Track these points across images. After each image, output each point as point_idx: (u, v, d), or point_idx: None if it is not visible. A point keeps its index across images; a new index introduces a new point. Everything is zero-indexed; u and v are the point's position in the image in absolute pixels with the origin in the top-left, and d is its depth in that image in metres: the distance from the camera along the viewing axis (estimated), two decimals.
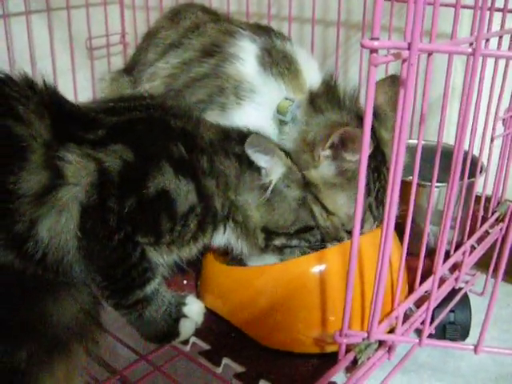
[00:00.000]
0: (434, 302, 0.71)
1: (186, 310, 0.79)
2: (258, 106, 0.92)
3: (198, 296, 0.85)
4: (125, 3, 1.70)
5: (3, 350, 0.64)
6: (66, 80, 1.57)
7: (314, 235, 0.83)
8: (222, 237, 0.83)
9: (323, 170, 0.81)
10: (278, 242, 0.82)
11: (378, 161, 0.82)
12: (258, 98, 0.92)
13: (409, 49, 0.51)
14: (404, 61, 0.55)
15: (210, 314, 0.82)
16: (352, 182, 0.80)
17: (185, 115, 0.84)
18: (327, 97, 0.88)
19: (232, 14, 1.40)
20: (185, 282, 0.91)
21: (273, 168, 0.80)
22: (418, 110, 1.03)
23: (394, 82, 0.87)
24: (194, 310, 0.80)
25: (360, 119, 0.82)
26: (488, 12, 0.85)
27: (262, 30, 1.01)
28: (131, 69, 1.15)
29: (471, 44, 0.69)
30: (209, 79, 0.97)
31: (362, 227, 0.81)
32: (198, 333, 0.79)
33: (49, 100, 0.74)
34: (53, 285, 0.70)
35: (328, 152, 0.80)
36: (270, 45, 0.96)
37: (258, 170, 0.80)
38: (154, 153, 0.75)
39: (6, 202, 0.66)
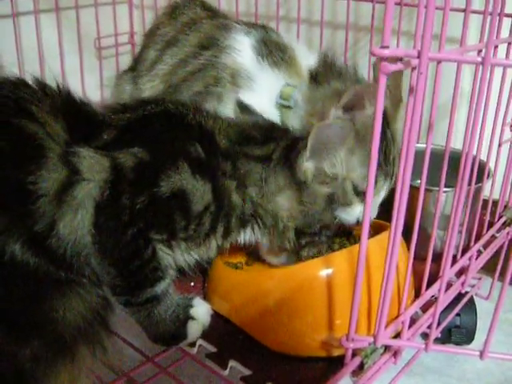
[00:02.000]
0: (440, 307, 0.72)
1: (193, 311, 0.79)
2: (257, 93, 0.94)
3: (205, 298, 0.85)
4: (133, 3, 1.71)
5: (8, 348, 0.65)
6: (74, 79, 1.58)
7: (331, 230, 0.85)
8: (251, 236, 0.83)
9: None
10: (304, 240, 0.82)
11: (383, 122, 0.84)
12: (255, 85, 0.95)
13: (419, 57, 0.51)
14: (413, 69, 0.55)
15: (216, 316, 0.82)
16: (362, 142, 0.81)
17: (202, 110, 0.83)
18: (326, 71, 0.91)
19: (241, 15, 1.41)
20: (192, 284, 0.92)
21: (336, 164, 0.80)
22: (425, 115, 1.03)
23: (395, 77, 0.88)
24: (201, 312, 0.80)
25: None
26: (497, 17, 0.85)
27: (257, 26, 1.05)
28: (134, 67, 1.17)
29: (480, 51, 0.70)
30: (205, 70, 1.00)
31: (374, 185, 0.82)
32: (205, 335, 0.79)
33: (62, 102, 0.74)
34: (62, 283, 0.70)
35: (340, 112, 0.82)
36: (265, 37, 1.00)
37: (289, 168, 0.80)
38: (171, 152, 0.75)
39: (27, 203, 0.67)
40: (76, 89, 1.54)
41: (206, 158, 0.76)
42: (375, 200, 0.87)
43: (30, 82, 0.74)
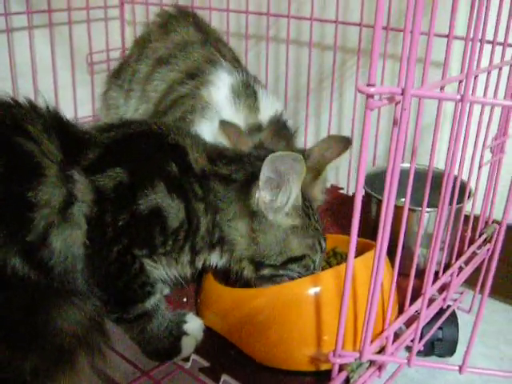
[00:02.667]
0: (422, 322, 0.75)
1: (186, 327, 0.82)
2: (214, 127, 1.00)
3: (198, 314, 0.87)
4: (125, 19, 1.74)
5: (8, 362, 0.66)
6: (66, 94, 1.61)
7: (305, 266, 0.84)
8: (220, 260, 0.84)
9: None
10: (266, 272, 0.83)
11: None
12: (217, 119, 1.00)
13: (402, 94, 0.55)
14: (397, 103, 0.59)
15: (209, 331, 0.85)
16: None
17: (182, 130, 0.86)
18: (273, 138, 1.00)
19: (231, 35, 1.44)
20: (184, 299, 0.94)
21: (283, 193, 0.80)
22: (409, 138, 1.07)
23: (342, 141, 0.95)
24: (194, 327, 0.82)
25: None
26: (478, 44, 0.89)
27: (239, 65, 1.13)
28: (119, 71, 1.21)
29: (461, 81, 0.74)
30: (187, 99, 1.06)
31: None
32: (198, 350, 0.81)
33: (52, 122, 0.78)
34: (57, 294, 0.72)
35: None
36: (245, 80, 1.07)
37: (249, 195, 0.81)
38: (149, 172, 0.78)
39: (24, 214, 0.69)
40: (68, 103, 1.58)
41: (180, 179, 0.79)
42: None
43: (23, 103, 0.78)
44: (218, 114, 1.03)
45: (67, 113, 1.60)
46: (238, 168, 0.83)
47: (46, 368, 0.68)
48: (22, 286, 0.70)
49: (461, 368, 0.71)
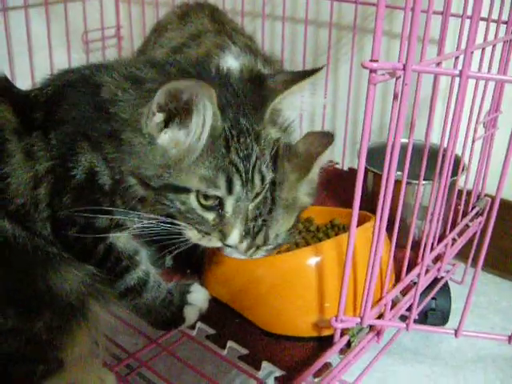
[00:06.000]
0: (420, 290, 0.79)
1: (190, 297, 0.84)
2: None
3: (203, 284, 0.90)
4: None
5: (20, 324, 0.68)
6: None
7: (185, 203, 0.69)
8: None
9: None
10: (148, 193, 0.71)
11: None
12: None
13: (404, 69, 0.58)
14: (398, 78, 0.62)
15: (214, 301, 0.87)
16: None
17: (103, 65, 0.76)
18: None
19: (226, 12, 1.45)
20: (188, 271, 0.96)
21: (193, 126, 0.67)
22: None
23: (324, 137, 0.92)
24: (198, 297, 0.85)
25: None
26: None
27: (251, 51, 1.10)
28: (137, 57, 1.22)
29: (457, 58, 0.76)
30: None
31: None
32: (204, 318, 0.84)
33: (3, 86, 0.75)
34: (53, 256, 0.72)
35: None
36: (251, 66, 1.05)
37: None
38: (73, 133, 0.71)
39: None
40: None
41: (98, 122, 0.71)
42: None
43: None
44: None
45: None
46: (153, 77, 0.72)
47: (59, 324, 0.69)
48: (18, 250, 0.70)
49: (456, 332, 0.75)
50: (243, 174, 0.69)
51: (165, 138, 0.68)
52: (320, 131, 0.96)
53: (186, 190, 0.68)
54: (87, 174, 0.70)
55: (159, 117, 0.67)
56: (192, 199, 0.68)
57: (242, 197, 0.70)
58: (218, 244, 0.72)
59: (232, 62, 1.05)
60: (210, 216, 0.70)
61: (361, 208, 0.95)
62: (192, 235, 0.72)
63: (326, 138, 0.90)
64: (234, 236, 0.71)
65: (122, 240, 0.76)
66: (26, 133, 0.71)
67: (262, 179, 0.72)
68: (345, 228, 0.98)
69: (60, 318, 0.70)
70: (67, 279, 0.71)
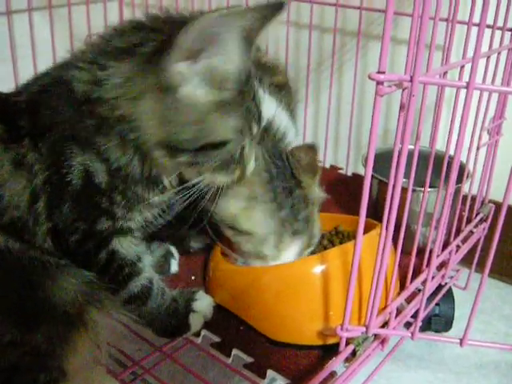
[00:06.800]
0: (425, 298, 0.78)
1: (195, 305, 0.83)
2: None
3: (207, 291, 0.90)
4: (124, 1, 1.74)
5: (18, 337, 0.67)
6: None
7: (229, 152, 0.70)
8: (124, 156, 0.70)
9: None
10: (183, 159, 0.68)
11: (292, 185, 0.87)
12: None
13: (411, 81, 0.58)
14: (404, 89, 0.62)
15: (218, 308, 0.87)
16: None
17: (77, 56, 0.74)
18: None
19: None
20: (193, 277, 0.96)
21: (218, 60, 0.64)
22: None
23: (309, 149, 0.93)
24: (202, 304, 0.84)
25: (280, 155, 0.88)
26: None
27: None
28: None
29: (463, 67, 0.76)
30: None
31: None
32: (208, 326, 0.84)
33: None
34: (49, 265, 0.70)
35: None
36: None
37: (160, 67, 0.64)
38: (59, 139, 0.69)
39: None
40: None
41: (76, 122, 0.68)
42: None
43: None
44: None
45: None
46: (144, 38, 0.66)
47: (58, 334, 0.68)
48: (13, 263, 0.68)
49: (461, 341, 0.75)
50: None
51: (192, 89, 0.64)
52: (305, 144, 0.96)
53: (223, 143, 0.68)
54: (83, 178, 0.69)
55: (185, 65, 0.63)
56: (229, 148, 0.69)
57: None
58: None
59: None
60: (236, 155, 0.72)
61: (365, 215, 0.95)
62: (217, 178, 0.73)
63: (312, 150, 0.92)
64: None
65: (124, 246, 0.75)
66: (13, 141, 0.69)
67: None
68: (349, 235, 0.98)
69: (59, 328, 0.69)
70: (64, 288, 0.70)
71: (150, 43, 0.65)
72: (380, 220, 0.76)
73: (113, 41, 0.69)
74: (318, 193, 0.93)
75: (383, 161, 0.85)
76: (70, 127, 0.68)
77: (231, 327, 0.85)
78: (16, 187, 0.69)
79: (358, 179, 1.35)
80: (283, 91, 1.07)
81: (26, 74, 1.50)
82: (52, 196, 0.69)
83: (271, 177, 0.84)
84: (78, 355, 0.71)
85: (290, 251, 0.87)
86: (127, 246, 0.76)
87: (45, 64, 1.53)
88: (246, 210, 0.84)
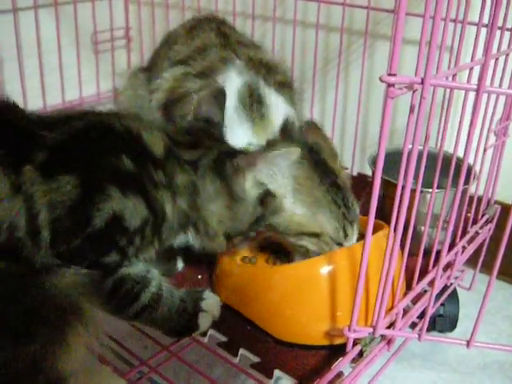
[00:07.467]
0: (433, 298, 0.79)
1: (204, 304, 0.83)
2: None
3: (213, 290, 0.90)
4: None
5: (19, 349, 0.64)
6: (71, 73, 1.62)
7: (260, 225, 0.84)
8: (185, 239, 0.83)
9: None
10: (236, 240, 0.83)
11: (332, 176, 0.91)
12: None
13: (422, 83, 0.58)
14: (415, 91, 0.62)
15: (225, 308, 0.87)
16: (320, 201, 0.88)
17: (127, 115, 0.80)
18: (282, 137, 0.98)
19: (237, 15, 1.46)
20: (199, 276, 0.97)
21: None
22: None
23: (312, 127, 0.97)
24: (211, 304, 0.84)
25: (311, 149, 0.92)
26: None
27: (253, 65, 1.09)
28: (149, 69, 1.22)
29: (471, 69, 0.76)
30: (191, 96, 1.04)
31: (346, 234, 0.89)
32: (215, 325, 0.84)
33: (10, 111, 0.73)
34: (37, 273, 0.69)
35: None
36: (253, 84, 1.04)
37: (222, 179, 0.79)
38: (97, 177, 0.72)
39: None
40: (73, 83, 1.60)
41: (135, 171, 0.74)
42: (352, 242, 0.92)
43: None
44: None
45: (72, 92, 1.64)
46: (202, 152, 0.80)
47: (54, 338, 0.67)
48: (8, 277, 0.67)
49: (468, 343, 0.75)
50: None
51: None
52: (309, 123, 1.00)
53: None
54: (107, 220, 0.71)
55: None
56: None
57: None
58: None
59: (235, 78, 1.04)
60: None
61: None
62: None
63: (320, 131, 0.98)
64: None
65: (132, 268, 0.76)
66: (15, 166, 0.68)
67: None
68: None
69: (54, 331, 0.67)
70: (61, 282, 0.69)
71: (210, 158, 0.80)
72: (385, 219, 0.77)
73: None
74: (346, 175, 0.97)
75: (389, 161, 0.86)
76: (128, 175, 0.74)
77: (238, 327, 0.86)
78: (10, 206, 0.68)
79: (363, 179, 1.36)
80: (285, 88, 1.10)
81: (32, 71, 1.52)
82: (59, 229, 0.69)
83: (319, 177, 0.89)
84: (74, 353, 0.68)
85: (353, 240, 0.91)
86: (135, 267, 0.77)
87: (50, 62, 1.55)
88: (312, 215, 0.88)
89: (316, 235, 0.87)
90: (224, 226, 0.81)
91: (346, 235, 0.88)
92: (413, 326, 0.94)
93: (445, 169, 0.88)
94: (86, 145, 0.74)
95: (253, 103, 1.02)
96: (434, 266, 0.93)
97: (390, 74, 0.57)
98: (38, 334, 0.66)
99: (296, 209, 0.87)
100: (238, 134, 0.98)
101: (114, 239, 0.72)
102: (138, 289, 0.76)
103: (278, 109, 1.04)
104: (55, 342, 0.67)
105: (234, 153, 0.81)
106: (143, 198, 0.73)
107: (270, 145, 0.91)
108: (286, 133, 0.99)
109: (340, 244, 0.88)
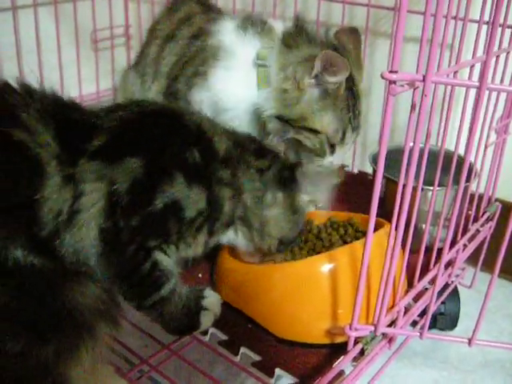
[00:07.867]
0: (435, 295, 0.78)
1: (205, 302, 0.83)
2: (234, 64, 1.01)
3: (214, 289, 0.90)
4: None
5: (34, 350, 0.65)
6: (71, 71, 1.62)
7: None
8: (233, 238, 0.86)
9: (309, 98, 0.94)
10: (283, 247, 0.88)
11: (351, 82, 0.96)
12: (233, 56, 1.01)
13: (423, 80, 0.57)
14: (416, 88, 0.61)
15: (226, 306, 0.87)
16: (334, 101, 0.94)
17: (198, 112, 0.84)
18: (297, 34, 0.99)
19: (237, 13, 1.45)
20: (200, 275, 0.96)
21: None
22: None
23: (352, 32, 1.03)
24: (212, 302, 0.83)
25: (335, 49, 0.95)
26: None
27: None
28: (138, 63, 1.22)
29: (472, 66, 0.76)
30: (196, 55, 1.05)
31: (343, 137, 0.97)
32: (216, 323, 0.83)
33: (50, 107, 0.71)
34: (68, 275, 0.70)
35: (312, 80, 0.92)
36: (248, 17, 1.06)
37: (285, 190, 0.84)
38: (166, 162, 0.74)
39: (32, 211, 0.66)
40: (72, 81, 1.59)
41: (202, 164, 0.76)
42: (343, 149, 1.00)
43: (16, 86, 0.71)
44: (231, 51, 1.01)
45: (72, 90, 1.63)
46: (270, 163, 0.84)
47: (67, 347, 0.68)
48: (29, 276, 0.67)
49: (470, 341, 0.75)
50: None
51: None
52: (346, 28, 1.06)
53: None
54: (166, 205, 0.72)
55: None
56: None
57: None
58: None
59: (228, 23, 1.05)
60: None
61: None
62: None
63: (354, 34, 1.04)
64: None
65: (164, 258, 0.77)
66: (70, 161, 0.69)
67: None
68: (357, 231, 0.97)
69: (69, 341, 0.68)
70: (87, 289, 0.70)
71: (274, 167, 0.84)
72: (386, 216, 0.77)
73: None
74: (363, 86, 1.03)
75: (390, 159, 0.85)
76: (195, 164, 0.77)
77: (239, 325, 0.86)
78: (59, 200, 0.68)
79: (363, 177, 1.35)
80: None
81: (31, 69, 1.51)
82: (129, 208, 0.71)
83: None
84: (82, 366, 0.70)
85: (349, 144, 1.00)
86: (166, 258, 0.77)
87: (50, 60, 1.54)
88: (319, 111, 0.94)
89: (315, 132, 0.94)
90: (281, 232, 0.85)
91: (343, 138, 0.96)
92: (413, 324, 0.94)
93: (446, 167, 0.88)
94: (151, 129, 0.76)
95: (253, 23, 1.03)
96: (435, 264, 0.93)
97: (391, 71, 0.57)
98: (55, 339, 0.67)
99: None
100: (247, 48, 1.01)
101: (167, 225, 0.74)
102: (163, 280, 0.77)
103: (277, 23, 1.07)
104: (68, 351, 0.68)
105: (293, 167, 0.85)
106: (206, 192, 0.76)
107: (289, 45, 0.97)
108: (303, 30, 1.00)
109: (333, 146, 0.97)
